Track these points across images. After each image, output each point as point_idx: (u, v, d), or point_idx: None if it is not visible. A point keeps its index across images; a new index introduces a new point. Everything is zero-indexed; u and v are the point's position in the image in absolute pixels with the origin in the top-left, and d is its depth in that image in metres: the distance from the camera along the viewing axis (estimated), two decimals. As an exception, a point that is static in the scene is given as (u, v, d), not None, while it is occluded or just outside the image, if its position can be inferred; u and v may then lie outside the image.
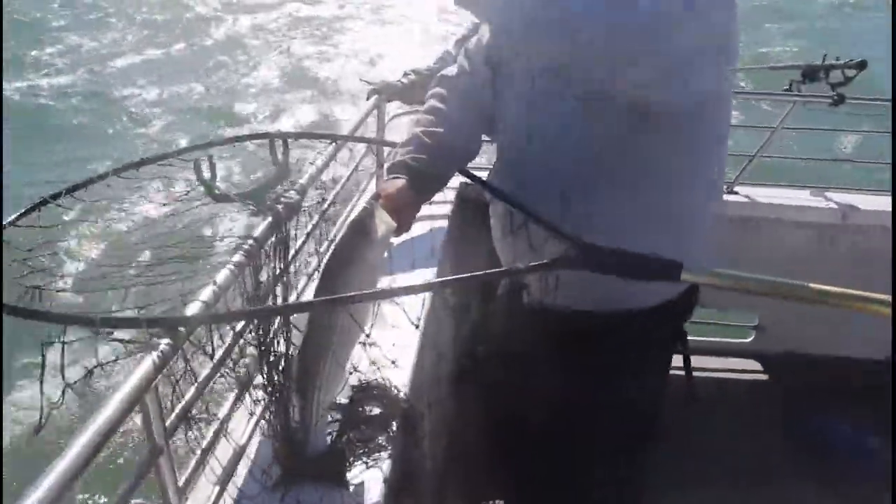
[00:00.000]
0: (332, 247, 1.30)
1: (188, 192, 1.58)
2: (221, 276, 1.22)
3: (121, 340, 1.02)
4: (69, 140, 9.31)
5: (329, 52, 13.01)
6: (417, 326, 1.11)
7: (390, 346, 1.55)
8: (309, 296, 1.41)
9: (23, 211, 1.42)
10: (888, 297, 1.05)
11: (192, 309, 1.12)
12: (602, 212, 1.44)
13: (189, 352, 1.08)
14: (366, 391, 1.63)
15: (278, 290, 1.41)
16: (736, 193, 3.10)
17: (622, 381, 1.57)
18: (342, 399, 1.57)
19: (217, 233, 1.47)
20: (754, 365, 3.36)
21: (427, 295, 1.74)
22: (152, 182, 1.68)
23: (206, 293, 1.17)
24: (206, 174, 1.51)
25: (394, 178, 1.43)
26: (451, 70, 1.67)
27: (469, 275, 1.14)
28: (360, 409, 1.60)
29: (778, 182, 3.28)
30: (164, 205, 1.61)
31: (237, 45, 13.16)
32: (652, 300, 1.52)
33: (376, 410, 1.63)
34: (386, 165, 1.52)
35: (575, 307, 1.46)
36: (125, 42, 12.98)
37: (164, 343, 1.04)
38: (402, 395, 1.65)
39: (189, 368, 1.06)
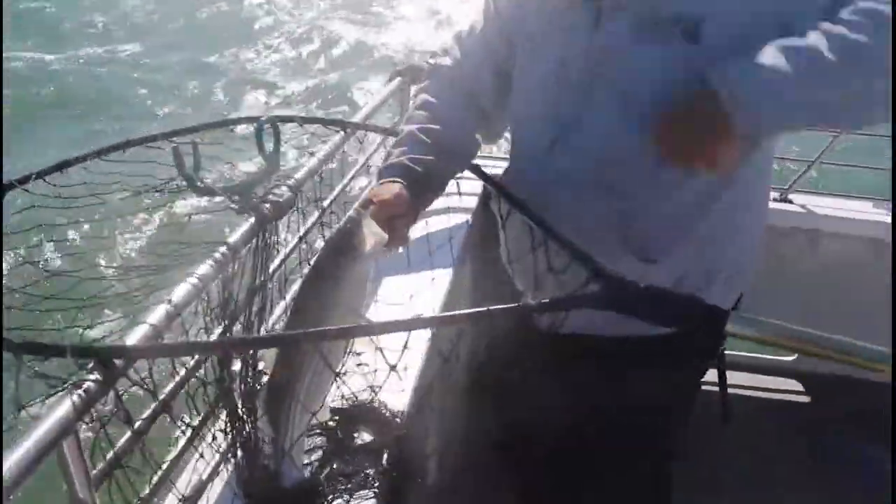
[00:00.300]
0: (310, 265, 1.11)
1: (168, 181, 1.41)
2: (179, 292, 1.04)
3: (40, 375, 0.85)
4: (118, 110, 9.25)
5: (387, 17, 12.52)
6: (394, 368, 0.94)
7: (385, 365, 1.37)
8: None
9: (-18, 196, 1.27)
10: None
11: (136, 335, 0.95)
12: (651, 222, 1.28)
13: (125, 388, 0.91)
14: (355, 414, 1.46)
15: (257, 305, 1.23)
16: (790, 202, 2.83)
17: (636, 403, 1.39)
18: (328, 422, 1.40)
19: (199, 233, 1.30)
20: (795, 385, 3.11)
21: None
22: (137, 167, 1.51)
23: (157, 314, 0.99)
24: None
25: (388, 181, 1.24)
26: (445, 60, 1.47)
27: (467, 311, 0.95)
28: (348, 435, 1.43)
29: (837, 191, 3.00)
30: (144, 191, 1.44)
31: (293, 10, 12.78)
32: None
33: (366, 437, 1.45)
34: (377, 169, 1.33)
35: (585, 332, 1.28)
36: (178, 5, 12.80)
37: (91, 379, 0.87)
38: (397, 420, 1.47)
39: (122, 410, 0.88)
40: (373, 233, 1.09)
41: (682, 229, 1.27)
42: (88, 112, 9.10)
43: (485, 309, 0.96)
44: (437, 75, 1.46)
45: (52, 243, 1.27)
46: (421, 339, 1.63)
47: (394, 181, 1.23)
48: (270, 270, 1.39)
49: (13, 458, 0.79)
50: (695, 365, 1.39)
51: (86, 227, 1.35)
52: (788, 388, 3.09)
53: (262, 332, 1.21)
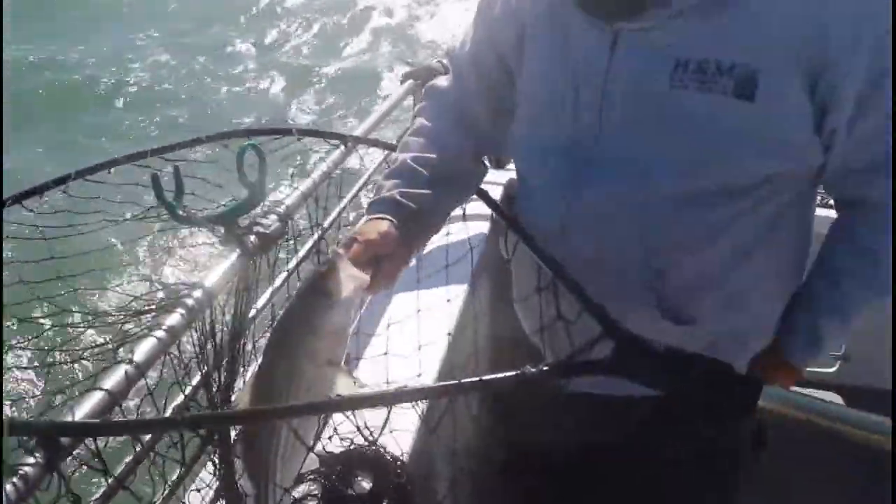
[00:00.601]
0: (280, 315, 0.99)
1: (150, 208, 1.31)
2: (142, 350, 0.94)
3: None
4: (149, 97, 9.17)
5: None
6: (374, 442, 0.82)
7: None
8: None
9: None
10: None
11: (88, 406, 0.85)
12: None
13: (72, 469, 0.81)
14: (350, 458, 1.35)
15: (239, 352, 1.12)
16: (832, 207, 2.65)
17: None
18: (321, 468, 1.30)
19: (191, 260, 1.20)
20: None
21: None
22: (120, 188, 1.42)
23: (115, 378, 0.89)
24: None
25: (376, 218, 1.12)
26: (442, 80, 1.34)
27: (456, 382, 0.83)
28: (343, 482, 1.32)
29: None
30: (123, 220, 1.35)
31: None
32: None
33: (364, 484, 1.35)
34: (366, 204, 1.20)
35: (593, 390, 1.16)
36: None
37: (31, 463, 0.77)
38: (398, 464, 1.36)
39: (69, 493, 0.79)
40: (351, 276, 0.97)
41: (716, 287, 1.13)
42: (119, 102, 9.06)
43: (477, 379, 0.84)
44: (433, 96, 1.33)
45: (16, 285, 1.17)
46: (432, 361, 1.52)
47: (382, 218, 1.11)
48: (259, 308, 1.29)
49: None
50: (721, 430, 1.25)
51: (55, 261, 1.25)
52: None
53: (243, 384, 1.10)
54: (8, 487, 0.75)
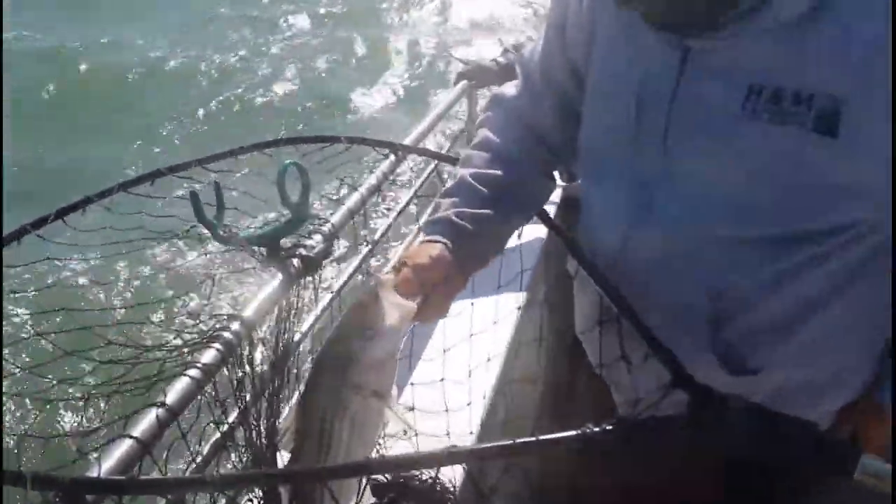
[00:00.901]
0: (321, 348, 0.93)
1: (188, 228, 1.26)
2: (175, 390, 0.88)
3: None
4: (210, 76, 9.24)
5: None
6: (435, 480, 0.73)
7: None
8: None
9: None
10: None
11: (116, 454, 0.80)
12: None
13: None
14: (403, 488, 1.29)
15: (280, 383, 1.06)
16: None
17: None
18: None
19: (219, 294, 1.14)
20: None
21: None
22: (160, 202, 1.37)
23: (145, 423, 0.83)
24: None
25: (429, 241, 1.03)
26: (510, 87, 1.23)
27: (509, 443, 0.75)
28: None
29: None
30: (164, 239, 1.30)
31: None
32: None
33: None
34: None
35: None
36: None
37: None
38: (449, 496, 1.29)
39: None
40: (395, 304, 0.90)
41: (781, 338, 1.01)
42: (182, 84, 9.15)
43: (533, 439, 0.76)
44: (499, 104, 1.23)
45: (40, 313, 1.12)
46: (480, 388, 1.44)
47: (435, 241, 1.03)
48: (303, 332, 1.23)
49: None
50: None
51: (94, 283, 1.21)
52: None
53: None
54: (27, 552, 0.70)
